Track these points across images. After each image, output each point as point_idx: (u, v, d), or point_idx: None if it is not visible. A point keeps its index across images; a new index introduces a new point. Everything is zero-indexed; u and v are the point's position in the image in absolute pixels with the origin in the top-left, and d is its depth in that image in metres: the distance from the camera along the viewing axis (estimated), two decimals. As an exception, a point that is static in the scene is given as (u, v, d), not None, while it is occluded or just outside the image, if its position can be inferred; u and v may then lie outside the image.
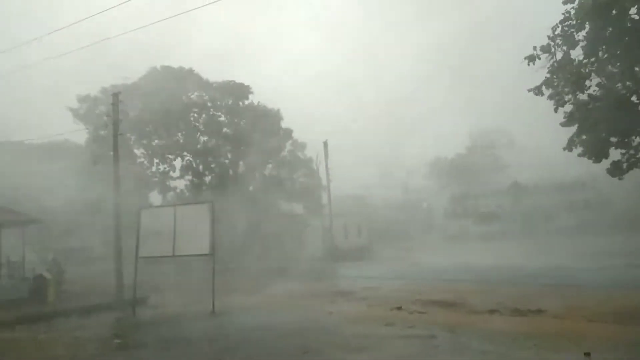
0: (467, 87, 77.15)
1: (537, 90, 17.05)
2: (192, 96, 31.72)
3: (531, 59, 15.73)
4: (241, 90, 32.18)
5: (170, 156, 31.40)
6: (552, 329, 9.44)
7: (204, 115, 31.40)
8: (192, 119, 31.73)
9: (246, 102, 32.43)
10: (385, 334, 9.82)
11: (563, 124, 16.61)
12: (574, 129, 16.18)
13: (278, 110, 32.86)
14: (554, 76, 15.99)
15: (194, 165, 31.84)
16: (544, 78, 16.21)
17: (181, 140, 30.93)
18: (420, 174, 62.05)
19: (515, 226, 41.94)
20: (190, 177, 31.93)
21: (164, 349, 9.59)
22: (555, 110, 16.64)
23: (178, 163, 31.86)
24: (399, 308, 12.52)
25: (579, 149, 16.15)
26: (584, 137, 15.88)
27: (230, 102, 31.94)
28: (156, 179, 31.08)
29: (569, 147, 16.30)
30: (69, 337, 11.14)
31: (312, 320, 11.53)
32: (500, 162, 56.25)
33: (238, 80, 32.47)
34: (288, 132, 33.01)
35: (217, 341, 10.01)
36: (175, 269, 21.02)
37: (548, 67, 15.99)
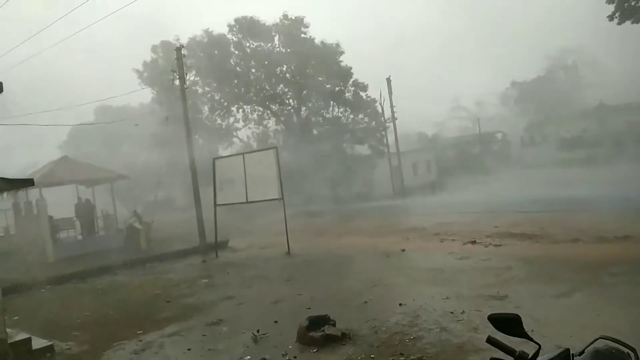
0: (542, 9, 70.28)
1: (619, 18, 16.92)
2: (249, 45, 31.63)
3: None
4: (299, 30, 31.47)
5: (233, 108, 32.05)
6: (643, 255, 8.81)
7: (265, 63, 31.29)
8: (253, 69, 31.81)
9: (306, 41, 31.65)
10: (459, 267, 9.71)
11: None
12: None
13: (337, 44, 31.78)
14: None
15: (258, 114, 32.34)
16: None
17: (242, 91, 31.30)
18: (492, 104, 58.68)
19: (603, 150, 38.60)
20: (255, 127, 32.62)
21: (246, 286, 10.24)
22: None
23: (242, 113, 32.54)
24: (473, 242, 12.27)
25: None
26: None
27: (290, 50, 31.38)
28: (223, 131, 32.08)
29: None
30: (163, 279, 12.26)
31: (385, 257, 11.66)
32: (582, 82, 51.40)
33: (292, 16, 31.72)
34: (348, 70, 32.09)
35: (293, 279, 10.49)
36: (249, 214, 22.02)
37: None
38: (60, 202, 19.94)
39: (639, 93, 35.70)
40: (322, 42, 31.40)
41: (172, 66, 18.26)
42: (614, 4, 18.11)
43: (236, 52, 31.25)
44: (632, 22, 17.99)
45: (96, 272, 13.61)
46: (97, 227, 19.06)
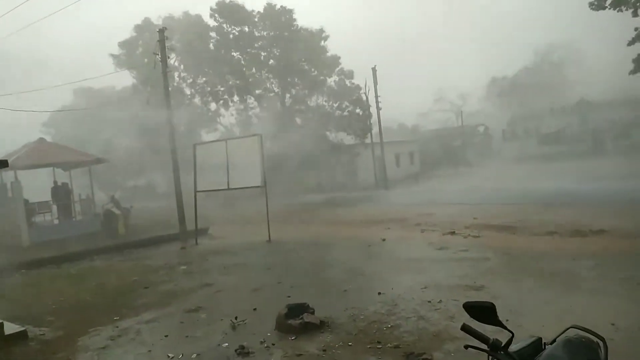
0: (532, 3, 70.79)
1: (597, 3, 17.20)
2: (233, 30, 31.14)
3: None
4: (284, 16, 31.07)
5: (218, 92, 31.61)
6: (616, 249, 9.04)
7: (247, 50, 30.87)
8: (236, 53, 31.38)
9: (290, 29, 31.29)
10: (437, 258, 9.83)
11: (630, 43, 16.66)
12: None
13: (321, 29, 31.50)
14: None
15: (242, 101, 31.96)
16: None
17: (227, 76, 30.89)
18: (476, 97, 59.28)
19: (583, 146, 39.42)
20: (237, 113, 32.26)
21: (225, 274, 10.18)
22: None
23: (223, 99, 32.09)
24: (453, 233, 12.44)
25: None
26: None
27: (273, 34, 31.03)
28: (205, 116, 31.69)
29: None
30: (141, 265, 12.10)
31: (365, 247, 11.72)
32: (566, 78, 52.20)
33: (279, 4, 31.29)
34: (335, 59, 31.90)
35: (274, 267, 10.47)
36: (230, 201, 21.88)
37: None
38: (37, 186, 19.52)
39: (621, 90, 36.39)
40: (303, 28, 31.04)
41: (154, 48, 17.85)
42: None
43: (218, 37, 30.74)
44: (618, 11, 18.11)
45: (72, 257, 13.38)
46: (74, 212, 18.70)
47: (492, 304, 2.04)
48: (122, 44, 31.91)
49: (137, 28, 31.48)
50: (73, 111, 31.84)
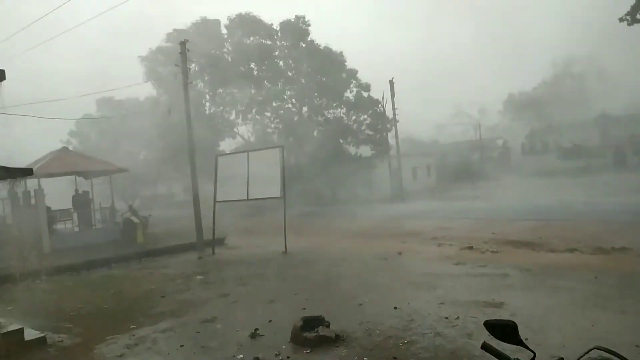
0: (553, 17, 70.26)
1: (631, 18, 16.39)
2: (250, 42, 31.53)
3: None
4: (300, 27, 31.36)
5: (236, 102, 31.92)
6: (639, 267, 8.81)
7: (266, 62, 31.23)
8: (253, 65, 31.74)
9: (307, 39, 31.53)
10: (455, 273, 9.70)
11: None
12: None
13: (341, 52, 31.87)
14: None
15: (259, 112, 32.20)
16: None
17: (245, 88, 31.24)
18: (495, 110, 58.79)
19: (603, 160, 38.67)
20: (256, 124, 32.48)
21: (241, 284, 10.21)
22: None
23: (242, 110, 32.36)
24: (471, 247, 12.26)
25: None
26: None
27: (290, 44, 31.34)
28: (224, 127, 31.97)
29: None
30: (158, 274, 12.23)
31: (381, 260, 11.64)
32: (587, 92, 51.41)
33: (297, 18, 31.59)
34: (352, 73, 32.06)
35: (290, 279, 10.46)
36: (249, 212, 21.98)
37: None
38: (59, 193, 19.92)
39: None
40: (323, 46, 31.37)
41: (176, 60, 18.16)
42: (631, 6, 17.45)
43: (233, 48, 31.15)
44: None
45: (91, 264, 13.58)
46: (95, 220, 19.02)
47: (514, 322, 2.01)
48: (157, 50, 31.97)
49: (169, 37, 31.51)
50: (97, 121, 32.52)
